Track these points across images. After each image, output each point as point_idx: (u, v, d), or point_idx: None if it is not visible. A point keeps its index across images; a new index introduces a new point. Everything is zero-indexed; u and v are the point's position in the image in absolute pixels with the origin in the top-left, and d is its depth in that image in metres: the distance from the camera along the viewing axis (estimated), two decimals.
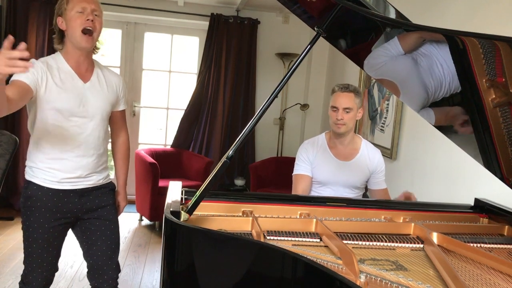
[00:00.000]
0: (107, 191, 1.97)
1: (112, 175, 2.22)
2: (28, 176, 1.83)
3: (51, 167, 1.80)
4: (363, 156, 2.21)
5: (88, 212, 1.90)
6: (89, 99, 1.82)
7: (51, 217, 1.80)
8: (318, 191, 2.22)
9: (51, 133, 1.78)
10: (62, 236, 1.89)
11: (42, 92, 1.72)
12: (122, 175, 2.10)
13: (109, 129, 2.05)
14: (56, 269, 1.93)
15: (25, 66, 1.35)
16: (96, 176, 1.91)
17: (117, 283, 2.01)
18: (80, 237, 1.97)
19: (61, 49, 1.82)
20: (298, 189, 2.18)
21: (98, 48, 1.90)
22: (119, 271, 2.01)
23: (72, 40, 1.76)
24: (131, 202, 4.74)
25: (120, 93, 1.97)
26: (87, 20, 1.73)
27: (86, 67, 1.84)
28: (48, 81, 1.73)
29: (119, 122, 2.06)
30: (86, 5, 1.74)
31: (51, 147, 1.79)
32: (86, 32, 1.73)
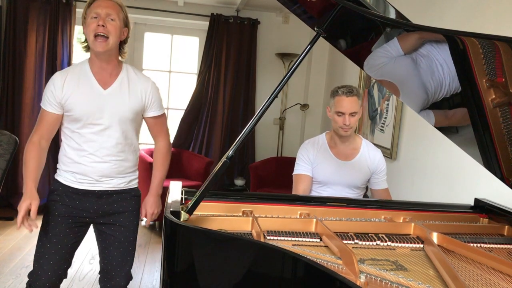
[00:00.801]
0: (129, 196, 1.93)
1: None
2: (56, 175, 1.91)
3: (71, 170, 1.85)
4: (364, 155, 2.21)
5: (105, 216, 1.89)
6: (106, 106, 1.80)
7: (66, 212, 1.83)
8: (319, 191, 2.22)
9: (70, 138, 1.84)
10: (76, 240, 1.88)
11: (63, 103, 1.81)
12: (155, 180, 2.03)
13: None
14: (65, 276, 1.89)
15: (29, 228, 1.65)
16: (117, 180, 1.88)
17: None
18: (97, 237, 1.98)
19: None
20: (299, 189, 2.18)
21: (125, 53, 1.89)
22: (129, 279, 1.97)
23: (90, 45, 1.78)
24: None
25: (146, 99, 1.91)
26: (98, 25, 1.72)
27: (109, 72, 1.83)
28: (66, 93, 1.79)
29: (155, 127, 2.01)
30: (99, 10, 1.73)
31: (70, 151, 1.84)
32: (100, 37, 1.73)
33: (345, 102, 2.09)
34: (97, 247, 2.00)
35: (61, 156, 1.89)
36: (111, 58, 1.82)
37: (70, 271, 3.13)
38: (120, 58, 1.89)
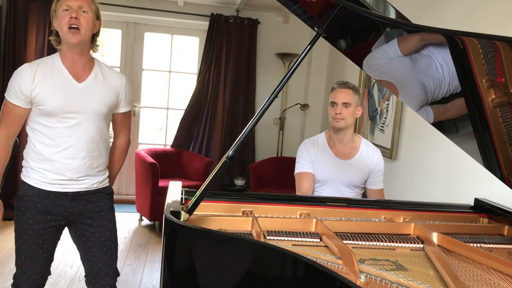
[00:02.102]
0: (103, 195, 1.91)
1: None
2: (22, 176, 1.84)
3: (42, 168, 1.77)
4: (363, 155, 2.21)
5: (81, 217, 1.85)
6: (82, 99, 1.77)
7: (41, 219, 1.78)
8: (318, 190, 2.21)
9: (42, 134, 1.77)
10: (53, 239, 1.85)
11: (33, 97, 1.73)
12: (112, 175, 2.01)
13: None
14: (48, 273, 1.89)
15: None
16: (90, 179, 1.84)
17: (115, 287, 1.97)
18: (76, 242, 1.94)
19: (60, 49, 1.82)
20: (302, 187, 2.18)
21: (97, 46, 1.87)
22: (117, 275, 1.96)
23: (62, 38, 1.75)
24: (131, 202, 4.76)
25: (121, 95, 1.91)
26: (71, 17, 1.70)
27: (82, 66, 1.80)
28: (37, 86, 1.72)
29: (120, 124, 2.00)
30: (71, 3, 1.71)
31: (42, 148, 1.76)
32: (70, 28, 1.72)
33: (338, 93, 2.13)
34: (78, 250, 1.95)
35: (29, 153, 1.80)
36: (83, 51, 1.80)
37: (70, 271, 3.13)
38: (92, 51, 1.87)
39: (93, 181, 1.86)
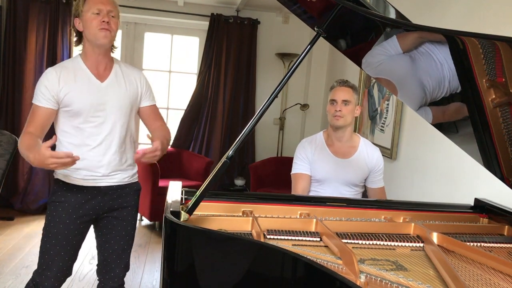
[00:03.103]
0: (132, 191, 1.97)
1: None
2: (55, 175, 1.89)
3: (75, 167, 1.77)
4: (362, 153, 2.21)
5: (109, 211, 1.91)
6: (106, 98, 1.83)
7: (73, 213, 1.82)
8: (317, 189, 2.22)
9: (71, 134, 1.82)
10: (81, 236, 1.89)
11: (60, 98, 1.78)
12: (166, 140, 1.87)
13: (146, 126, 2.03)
14: (70, 273, 1.91)
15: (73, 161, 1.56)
16: (121, 174, 1.90)
17: (123, 282, 2.02)
18: (96, 232, 1.99)
19: (80, 49, 1.87)
20: (298, 188, 2.19)
21: (115, 47, 1.93)
22: (127, 270, 2.02)
23: (90, 38, 1.79)
24: None
25: (142, 88, 1.95)
26: (103, 21, 1.76)
27: (104, 66, 1.86)
28: (64, 87, 1.77)
29: (152, 115, 2.00)
30: (102, 6, 1.77)
31: (73, 148, 1.80)
32: (102, 29, 1.77)
33: (338, 91, 2.15)
34: (96, 239, 2.00)
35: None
36: (107, 52, 1.87)
37: None
38: (111, 52, 1.92)
39: (124, 176, 1.92)
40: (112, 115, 1.84)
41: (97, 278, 2.03)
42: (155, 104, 2.04)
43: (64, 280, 1.89)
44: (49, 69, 1.83)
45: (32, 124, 1.78)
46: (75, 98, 1.78)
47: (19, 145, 1.73)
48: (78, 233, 1.86)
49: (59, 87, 1.77)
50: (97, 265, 2.02)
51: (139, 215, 4.41)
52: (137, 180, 2.01)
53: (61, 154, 1.54)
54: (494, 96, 1.16)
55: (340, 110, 2.11)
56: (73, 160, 1.55)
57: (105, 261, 1.97)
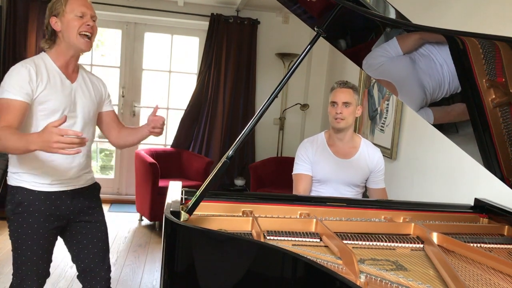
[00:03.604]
0: (95, 191, 1.96)
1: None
2: (15, 182, 1.77)
3: (42, 171, 1.75)
4: (363, 154, 2.21)
5: (80, 214, 1.88)
6: (77, 99, 1.82)
7: (45, 222, 1.76)
8: (318, 190, 2.22)
9: None
10: (54, 241, 1.85)
11: (36, 94, 1.71)
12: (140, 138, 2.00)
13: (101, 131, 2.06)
14: (49, 275, 1.87)
15: (77, 151, 1.44)
16: (85, 175, 1.90)
17: (109, 283, 1.99)
18: (69, 241, 1.92)
19: (48, 48, 1.80)
20: (299, 188, 2.19)
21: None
22: (110, 271, 2.00)
23: (69, 41, 1.76)
24: (131, 202, 4.76)
25: (105, 93, 1.99)
26: (87, 25, 1.75)
27: (73, 68, 1.85)
28: (39, 83, 1.71)
29: (116, 120, 2.05)
30: (86, 10, 1.76)
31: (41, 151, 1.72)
32: (85, 36, 1.76)
33: (338, 93, 2.14)
34: (71, 251, 1.94)
35: (25, 158, 1.74)
36: (79, 56, 1.86)
37: (70, 271, 3.13)
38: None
39: (88, 177, 1.92)
40: (82, 116, 1.83)
41: (82, 286, 1.98)
42: (114, 110, 2.07)
43: (44, 284, 1.85)
44: (21, 63, 1.72)
45: (6, 118, 1.60)
46: (51, 96, 1.73)
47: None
48: (52, 239, 1.82)
49: (36, 83, 1.70)
50: (78, 275, 1.96)
51: (139, 215, 4.42)
52: (95, 181, 1.99)
53: (70, 131, 1.42)
54: (494, 96, 1.16)
55: (340, 113, 2.11)
56: (81, 141, 1.41)
57: (87, 268, 1.92)
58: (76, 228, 1.89)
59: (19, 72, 1.69)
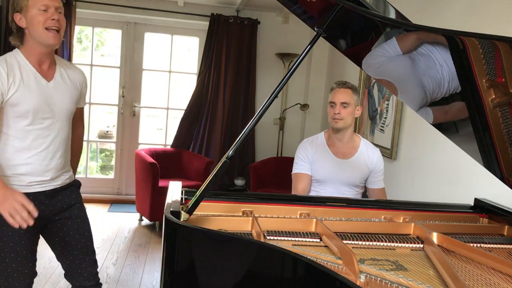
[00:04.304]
0: (74, 189, 1.92)
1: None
2: None
3: (17, 173, 1.71)
4: (362, 154, 2.21)
5: (59, 213, 1.85)
6: (54, 98, 1.75)
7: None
8: (317, 190, 2.22)
9: (15, 138, 1.70)
10: (37, 240, 1.83)
11: (8, 97, 1.64)
12: (75, 166, 2.03)
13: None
14: (35, 274, 1.84)
15: (26, 222, 1.53)
16: (63, 175, 1.86)
17: (98, 278, 1.95)
18: (52, 240, 1.89)
19: (19, 45, 1.73)
20: (298, 188, 2.19)
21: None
22: (97, 265, 1.96)
23: (37, 37, 1.68)
24: (131, 202, 4.76)
25: (83, 91, 1.92)
26: (52, 19, 1.66)
27: (48, 65, 1.76)
28: (12, 85, 1.64)
29: (78, 117, 1.99)
30: (49, 2, 1.66)
31: (16, 153, 1.70)
32: (53, 30, 1.68)
33: (337, 93, 2.14)
34: (54, 249, 1.92)
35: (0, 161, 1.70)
36: (52, 50, 1.77)
37: None
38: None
39: (66, 177, 1.88)
40: (60, 116, 1.77)
41: (71, 284, 1.95)
42: (84, 106, 2.03)
43: (32, 283, 1.82)
44: None
45: None
46: (24, 97, 1.66)
47: None
48: (34, 238, 1.79)
49: (8, 84, 1.62)
50: (65, 274, 1.93)
51: (139, 215, 4.42)
52: (74, 178, 1.97)
53: (30, 207, 1.53)
54: (494, 96, 1.16)
55: (339, 113, 2.11)
56: (28, 219, 1.53)
57: (73, 264, 1.89)
58: (57, 226, 1.86)
59: None
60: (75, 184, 1.95)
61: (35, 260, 1.83)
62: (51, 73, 1.78)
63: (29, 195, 1.69)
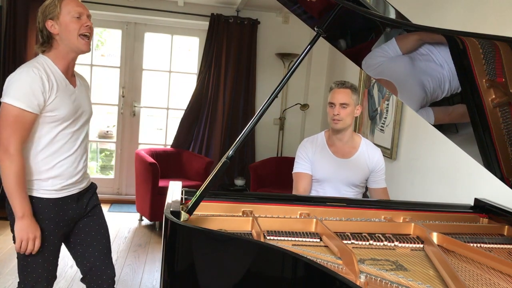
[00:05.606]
0: (94, 190, 1.98)
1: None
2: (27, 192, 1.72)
3: (50, 177, 1.74)
4: (363, 154, 2.21)
5: (83, 215, 1.89)
6: (81, 103, 1.82)
7: (55, 228, 1.75)
8: (317, 189, 2.22)
9: (50, 142, 1.73)
10: (60, 244, 1.86)
11: (47, 104, 1.67)
12: None
13: None
14: (55, 278, 1.87)
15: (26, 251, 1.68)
16: (86, 178, 1.92)
17: (114, 283, 1.97)
18: (73, 241, 1.90)
19: (44, 51, 1.76)
20: (299, 187, 2.19)
21: None
22: (115, 270, 1.99)
23: (69, 44, 1.73)
24: (131, 202, 4.76)
25: (89, 95, 2.00)
26: (86, 25, 1.73)
27: (72, 71, 1.83)
28: (50, 92, 1.67)
29: None
30: (82, 10, 1.74)
31: (49, 157, 1.73)
32: (85, 37, 1.74)
33: (336, 93, 2.14)
34: (74, 252, 1.92)
35: (31, 165, 1.71)
36: (77, 57, 1.82)
37: (70, 271, 3.13)
38: None
39: (88, 179, 1.94)
40: (86, 120, 1.86)
41: (87, 287, 1.95)
42: None
43: (52, 286, 1.85)
44: (31, 68, 1.65)
45: (20, 135, 1.61)
46: (62, 103, 1.71)
47: (11, 162, 1.59)
48: (59, 243, 1.82)
49: (49, 93, 1.66)
50: (83, 278, 1.94)
51: (139, 215, 4.42)
52: (91, 181, 2.02)
53: (37, 246, 1.68)
54: (494, 96, 1.16)
55: (338, 114, 2.11)
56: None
57: (93, 266, 1.90)
58: (79, 227, 1.89)
59: (33, 80, 1.63)
60: (94, 187, 1.99)
61: (57, 264, 1.86)
62: (74, 79, 1.84)
63: (59, 200, 1.76)
